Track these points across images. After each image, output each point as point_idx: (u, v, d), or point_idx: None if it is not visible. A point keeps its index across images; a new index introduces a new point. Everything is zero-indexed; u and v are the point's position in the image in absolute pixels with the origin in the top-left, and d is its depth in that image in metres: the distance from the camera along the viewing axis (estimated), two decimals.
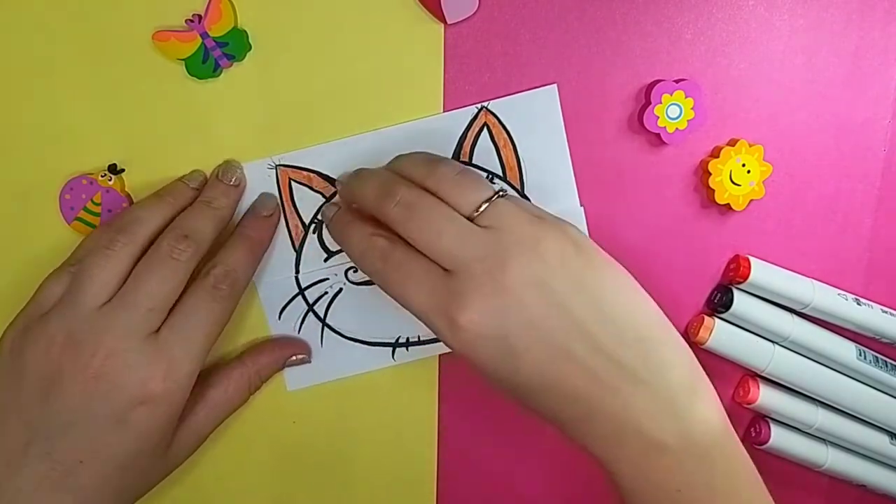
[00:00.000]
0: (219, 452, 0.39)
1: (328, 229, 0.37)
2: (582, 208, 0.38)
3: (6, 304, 0.35)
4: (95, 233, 0.35)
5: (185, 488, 0.40)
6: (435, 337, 0.38)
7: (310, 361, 0.39)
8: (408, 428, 0.41)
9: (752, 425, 0.41)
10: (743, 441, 0.42)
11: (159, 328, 0.32)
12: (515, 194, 0.36)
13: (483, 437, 0.41)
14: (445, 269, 0.31)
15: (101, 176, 0.36)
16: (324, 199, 0.37)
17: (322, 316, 0.39)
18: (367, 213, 0.34)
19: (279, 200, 0.37)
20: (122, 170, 0.36)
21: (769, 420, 0.41)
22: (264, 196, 0.37)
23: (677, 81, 0.36)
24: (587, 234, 0.38)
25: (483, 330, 0.29)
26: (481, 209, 0.31)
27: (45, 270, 0.36)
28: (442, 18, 0.35)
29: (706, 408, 0.31)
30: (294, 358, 0.38)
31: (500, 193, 0.31)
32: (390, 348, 0.39)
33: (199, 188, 0.36)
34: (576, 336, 0.30)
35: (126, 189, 0.36)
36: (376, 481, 0.41)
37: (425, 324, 0.31)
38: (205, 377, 0.36)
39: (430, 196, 0.32)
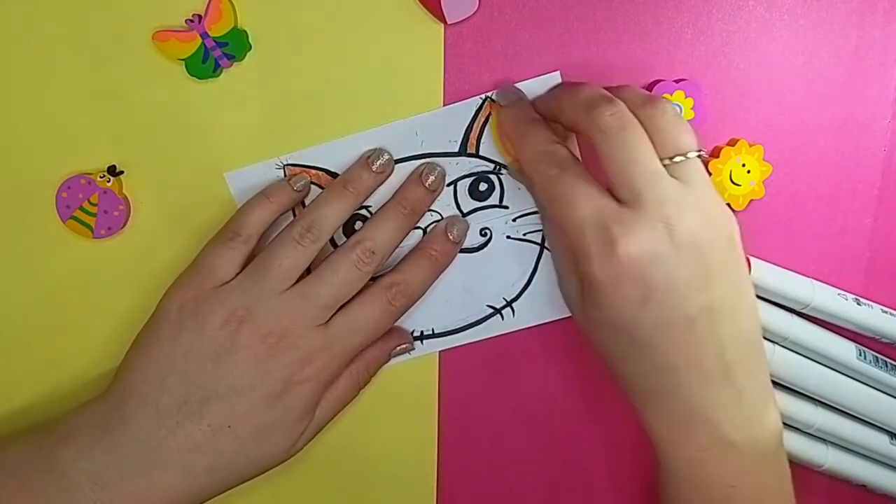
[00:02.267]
0: None
1: (499, 115, 0.36)
2: None
3: None
4: (262, 206, 0.35)
5: None
6: (450, 329, 0.39)
7: (413, 349, 0.39)
8: (408, 428, 0.41)
9: None
10: None
11: (328, 321, 0.34)
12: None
13: (483, 436, 0.41)
14: (618, 202, 0.31)
15: (100, 177, 0.36)
16: None
17: None
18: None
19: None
20: (122, 172, 0.36)
21: None
22: (457, 218, 0.38)
23: (677, 81, 0.36)
24: None
25: (633, 267, 0.30)
26: (677, 159, 0.31)
27: (37, 265, 0.36)
28: (442, 18, 0.35)
29: (774, 417, 0.33)
30: (399, 348, 0.38)
31: (700, 154, 0.31)
32: None
33: (380, 172, 0.36)
34: (705, 315, 0.31)
35: (124, 191, 0.36)
36: (376, 481, 0.41)
37: (572, 236, 0.31)
38: None
39: (639, 124, 0.31)
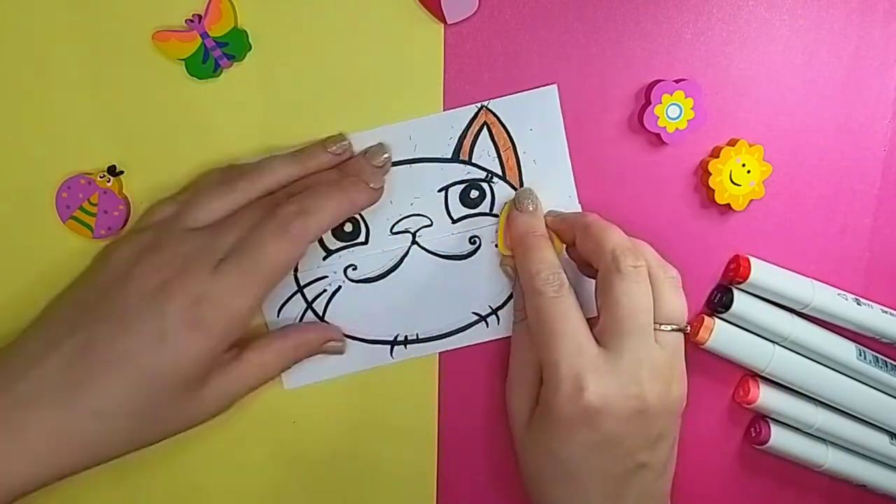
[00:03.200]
0: (218, 452, 0.39)
1: (511, 218, 0.37)
2: (580, 206, 0.38)
3: None
4: (216, 170, 0.35)
5: (184, 488, 0.39)
6: (434, 335, 0.39)
7: (343, 352, 0.39)
8: (408, 427, 0.41)
9: (752, 425, 0.41)
10: (743, 441, 0.42)
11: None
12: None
13: (483, 436, 0.41)
14: (598, 342, 0.32)
15: (100, 177, 0.36)
16: None
17: (321, 314, 0.39)
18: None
19: None
20: (122, 171, 0.36)
21: (769, 420, 0.41)
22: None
23: (677, 81, 0.36)
24: None
25: (594, 416, 0.31)
26: (666, 327, 0.33)
27: (39, 266, 0.36)
28: (442, 18, 0.35)
29: None
30: (331, 344, 0.38)
31: (686, 329, 0.34)
32: (389, 346, 0.39)
33: (338, 153, 0.35)
34: (640, 471, 0.33)
35: (124, 191, 0.36)
36: (376, 481, 0.41)
37: (547, 364, 0.33)
38: (245, 341, 0.35)
39: (650, 284, 0.33)
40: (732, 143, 0.37)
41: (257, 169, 0.34)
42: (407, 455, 0.41)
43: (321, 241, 0.37)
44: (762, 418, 0.41)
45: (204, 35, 0.34)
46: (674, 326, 0.33)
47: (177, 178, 0.36)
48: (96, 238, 0.36)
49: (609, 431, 0.31)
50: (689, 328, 0.34)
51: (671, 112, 0.36)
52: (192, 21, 0.34)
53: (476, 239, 0.38)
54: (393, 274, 0.38)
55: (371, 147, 0.36)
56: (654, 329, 0.33)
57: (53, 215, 0.36)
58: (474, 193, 0.38)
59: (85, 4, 0.34)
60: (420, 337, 0.39)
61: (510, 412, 0.36)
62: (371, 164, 0.35)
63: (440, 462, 0.41)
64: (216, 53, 0.34)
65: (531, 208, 0.36)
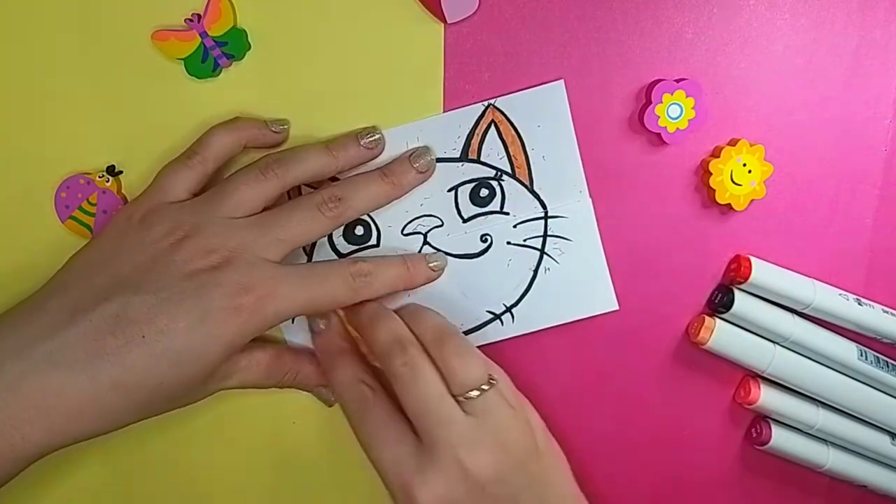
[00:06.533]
0: (218, 452, 0.39)
1: (313, 340, 0.37)
2: (590, 200, 0.38)
3: None
4: (227, 131, 0.35)
5: (184, 488, 0.39)
6: None
7: (330, 405, 0.39)
8: None
9: (752, 426, 0.41)
10: (744, 442, 0.42)
11: (280, 262, 0.33)
12: (503, 383, 0.35)
13: None
14: (418, 436, 0.32)
15: (99, 177, 0.36)
16: None
17: None
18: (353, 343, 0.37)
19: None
20: (121, 171, 0.36)
21: (770, 420, 0.41)
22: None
23: (678, 81, 0.36)
24: (597, 227, 0.38)
25: None
26: (471, 395, 0.32)
27: (37, 266, 0.36)
28: (442, 18, 0.35)
29: None
30: (321, 391, 0.38)
31: (491, 383, 0.33)
32: None
33: (370, 147, 0.35)
34: None
35: (123, 191, 0.36)
36: (376, 482, 0.41)
37: (380, 476, 0.33)
38: (262, 339, 0.36)
39: (431, 366, 0.33)
40: (733, 142, 0.37)
41: (291, 157, 0.34)
42: None
43: (332, 245, 0.37)
44: (763, 419, 0.41)
45: (203, 34, 0.34)
46: (476, 391, 0.32)
47: None
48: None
49: None
50: (493, 380, 0.33)
51: (672, 112, 0.36)
52: (191, 20, 0.34)
53: (487, 237, 0.38)
54: None
55: (413, 149, 0.36)
56: (460, 402, 0.32)
57: (52, 215, 0.36)
58: (484, 192, 0.37)
59: (85, 4, 0.34)
60: None
61: None
62: (415, 169, 0.36)
63: None
64: (215, 53, 0.34)
65: (321, 327, 0.37)
